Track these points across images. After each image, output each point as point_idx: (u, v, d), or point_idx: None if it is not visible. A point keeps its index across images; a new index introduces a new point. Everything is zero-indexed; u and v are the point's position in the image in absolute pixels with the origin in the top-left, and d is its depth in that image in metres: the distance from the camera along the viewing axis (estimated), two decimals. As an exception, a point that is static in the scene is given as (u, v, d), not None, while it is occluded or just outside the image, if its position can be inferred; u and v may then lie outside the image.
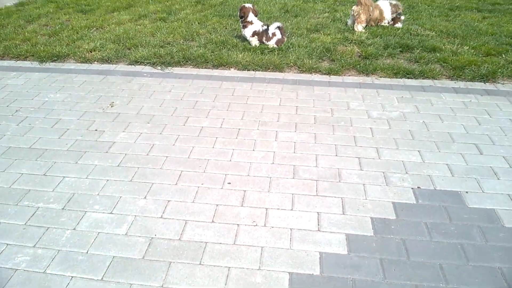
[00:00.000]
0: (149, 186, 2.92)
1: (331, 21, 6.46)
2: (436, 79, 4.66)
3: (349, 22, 6.15)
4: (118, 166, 3.15)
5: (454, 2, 7.62)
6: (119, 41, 5.63)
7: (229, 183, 2.94)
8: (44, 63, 5.07)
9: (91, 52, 5.30)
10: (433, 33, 5.95)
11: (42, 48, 5.33)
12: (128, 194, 2.85)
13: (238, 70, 4.85)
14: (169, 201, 2.78)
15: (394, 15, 6.20)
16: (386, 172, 3.05)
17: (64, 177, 3.04)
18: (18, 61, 5.15)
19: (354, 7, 5.92)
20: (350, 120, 3.77)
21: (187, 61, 5.03)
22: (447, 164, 3.15)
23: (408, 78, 4.67)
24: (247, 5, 5.42)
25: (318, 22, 6.39)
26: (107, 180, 2.99)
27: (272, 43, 5.37)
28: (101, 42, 5.55)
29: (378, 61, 5.04)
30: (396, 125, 3.70)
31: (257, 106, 4.00)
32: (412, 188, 2.88)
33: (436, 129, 3.64)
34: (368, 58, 5.12)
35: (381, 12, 6.11)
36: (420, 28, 6.16)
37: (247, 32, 5.43)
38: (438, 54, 5.19)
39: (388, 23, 6.25)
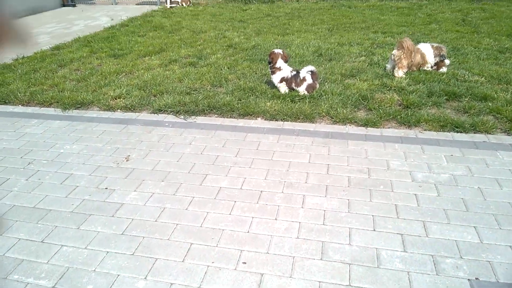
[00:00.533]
0: (152, 263, 2.52)
1: (368, 66, 6.06)
2: (489, 133, 4.08)
3: (388, 66, 5.72)
4: (122, 234, 2.79)
5: (503, 43, 7.03)
6: (145, 87, 5.48)
7: (244, 262, 2.49)
8: (67, 110, 4.96)
9: (115, 99, 5.15)
10: (483, 78, 5.39)
11: (67, 94, 5.25)
12: (127, 272, 2.46)
13: (265, 120, 4.50)
14: (172, 284, 2.36)
15: (437, 59, 5.71)
16: (436, 255, 2.50)
17: (62, 245, 2.72)
18: (42, 108, 5.07)
19: (395, 51, 5.51)
20: (391, 183, 3.26)
21: (212, 110, 4.75)
22: (511, 247, 2.56)
23: (457, 132, 4.12)
24: (276, 50, 5.17)
25: (354, 67, 6.00)
26: (107, 252, 2.63)
27: (302, 89, 5.02)
28: (127, 89, 5.42)
29: (422, 111, 4.53)
30: (446, 192, 3.15)
31: (283, 164, 3.59)
32: (468, 280, 2.32)
33: (495, 198, 3.06)
34: (410, 108, 4.63)
35: (423, 56, 5.64)
36: (467, 73, 5.62)
37: (275, 78, 5.11)
38: (490, 104, 4.62)
39: (432, 67, 5.77)
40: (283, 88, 5.11)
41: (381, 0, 11.81)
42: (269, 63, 5.17)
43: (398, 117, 4.39)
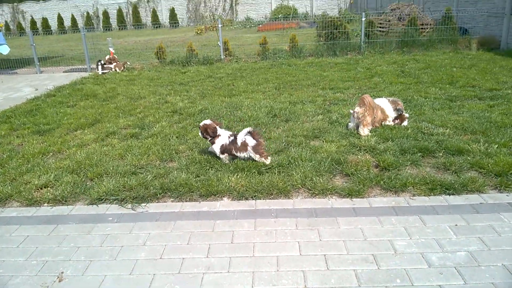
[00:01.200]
0: None
1: (328, 124, 5.67)
2: (482, 192, 3.71)
3: (351, 124, 5.36)
4: None
5: (449, 92, 7.12)
6: (79, 170, 4.55)
7: None
8: (-26, 211, 3.86)
9: (41, 189, 4.15)
10: (448, 130, 5.20)
11: (-25, 188, 4.16)
12: None
13: (232, 200, 3.78)
14: None
15: (396, 113, 5.50)
16: None
17: None
18: None
19: (357, 109, 5.17)
20: (407, 274, 2.64)
21: (166, 192, 3.94)
22: None
23: (449, 194, 3.70)
24: (207, 121, 4.55)
25: (315, 127, 5.58)
26: None
27: (251, 155, 4.35)
28: (56, 174, 4.44)
29: (401, 172, 4.10)
30: (471, 277, 2.59)
31: (270, 261, 2.84)
32: None
33: (529, 278, 2.55)
34: (388, 169, 4.19)
35: (383, 111, 5.39)
36: (430, 125, 5.42)
37: (216, 147, 4.48)
38: (468, 158, 4.33)
39: (393, 121, 5.52)
40: (226, 160, 4.50)
41: (318, 57, 12.02)
42: (205, 137, 4.57)
43: (381, 182, 3.90)
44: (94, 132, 6.00)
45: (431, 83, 7.88)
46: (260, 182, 3.95)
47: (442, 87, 7.52)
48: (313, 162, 4.37)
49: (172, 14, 31.90)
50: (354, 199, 3.67)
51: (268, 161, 4.34)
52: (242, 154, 4.39)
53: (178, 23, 32.00)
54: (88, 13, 33.64)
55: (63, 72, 12.78)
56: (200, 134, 4.61)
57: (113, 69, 11.83)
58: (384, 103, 5.41)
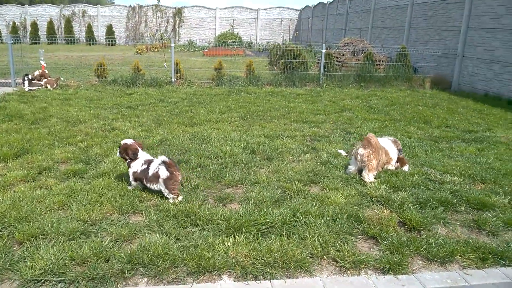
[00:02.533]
0: None
1: (321, 166, 4.83)
2: (539, 262, 3.03)
3: (352, 168, 4.56)
4: None
5: (430, 132, 6.71)
6: (1, 227, 3.15)
7: None
8: None
9: None
10: (456, 178, 4.60)
11: None
12: None
13: (237, 280, 2.69)
14: None
15: (397, 154, 4.83)
16: None
17: None
18: None
19: (361, 151, 4.39)
20: None
21: (137, 269, 2.73)
22: None
23: (505, 265, 2.97)
24: (128, 141, 4.04)
25: (307, 169, 4.70)
26: None
27: (162, 189, 3.72)
28: (-37, 234, 3.01)
29: (434, 234, 3.33)
30: None
31: None
32: None
33: None
34: (417, 229, 3.40)
35: (387, 153, 4.67)
36: (432, 171, 4.81)
37: (130, 172, 3.93)
38: (495, 213, 3.71)
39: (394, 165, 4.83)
40: (133, 185, 3.95)
41: (276, 87, 11.38)
42: (123, 157, 4.03)
43: (422, 250, 3.07)
44: (22, 166, 4.55)
45: (406, 121, 7.47)
46: (269, 251, 2.91)
47: (419, 127, 7.12)
48: (326, 219, 3.44)
49: (110, 31, 30.04)
50: (398, 276, 2.78)
51: (178, 200, 3.70)
52: (153, 186, 3.79)
53: (115, 40, 30.16)
54: (14, 23, 30.47)
55: (-21, 85, 10.72)
56: (118, 154, 4.06)
57: (43, 86, 10.10)
58: (388, 144, 4.71)
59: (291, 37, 31.78)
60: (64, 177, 4.29)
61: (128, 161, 3.97)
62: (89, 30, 29.98)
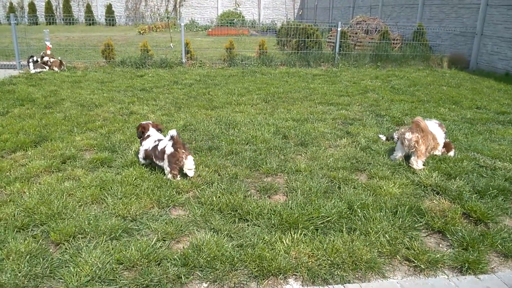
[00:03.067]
0: None
1: (362, 152, 4.52)
2: None
3: (398, 154, 4.25)
4: None
5: (463, 114, 6.38)
6: (32, 225, 2.86)
7: None
8: None
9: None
10: (507, 163, 4.31)
11: None
12: None
13: (304, 284, 2.41)
14: None
15: (444, 139, 4.52)
16: None
17: None
18: None
19: (409, 135, 4.08)
20: None
21: (194, 272, 2.44)
22: None
23: None
24: (144, 122, 4.14)
25: (348, 155, 4.40)
26: None
27: (165, 165, 3.69)
28: (-7, 234, 2.72)
29: (500, 226, 3.06)
30: None
31: None
32: None
33: None
34: (482, 221, 3.12)
35: (434, 138, 4.35)
36: (482, 156, 4.51)
37: (140, 153, 3.96)
38: None
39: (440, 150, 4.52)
40: (142, 161, 3.96)
41: (290, 67, 10.97)
42: (140, 137, 4.04)
43: (496, 245, 2.80)
44: (43, 155, 4.23)
45: (434, 103, 7.13)
46: (334, 250, 2.63)
47: (450, 108, 6.79)
48: (385, 211, 3.16)
49: (109, 11, 29.19)
50: (480, 277, 2.51)
51: (175, 179, 3.64)
52: (160, 163, 3.75)
53: (115, 20, 29.38)
54: (11, 3, 29.59)
55: (-17, 68, 10.29)
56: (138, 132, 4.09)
57: (50, 68, 9.69)
58: (434, 128, 4.39)
59: (295, 16, 30.99)
60: (91, 167, 3.98)
61: (140, 139, 3.99)
62: (88, 10, 29.11)
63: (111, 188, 3.44)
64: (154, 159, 3.77)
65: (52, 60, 9.85)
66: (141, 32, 22.15)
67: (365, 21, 14.23)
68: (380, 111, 6.40)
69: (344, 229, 2.90)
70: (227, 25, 23.60)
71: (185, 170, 3.67)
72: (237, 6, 29.36)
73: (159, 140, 3.78)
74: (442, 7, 13.49)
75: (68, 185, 3.49)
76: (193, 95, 7.36)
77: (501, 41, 10.75)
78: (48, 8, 29.05)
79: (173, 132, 3.58)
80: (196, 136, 5.00)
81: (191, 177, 3.69)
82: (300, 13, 29.66)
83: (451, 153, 4.52)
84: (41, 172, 3.81)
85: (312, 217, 3.00)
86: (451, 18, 13.00)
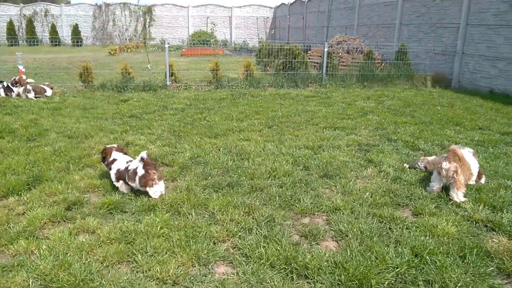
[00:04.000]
0: None
1: (393, 184, 4.24)
2: None
3: (436, 185, 3.99)
4: None
5: (471, 136, 6.27)
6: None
7: None
8: None
9: None
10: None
11: None
12: None
13: None
14: None
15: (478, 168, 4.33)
16: None
17: None
18: None
19: (446, 165, 3.84)
20: None
21: None
22: None
23: None
24: (109, 146, 4.24)
25: (382, 188, 4.09)
26: None
27: (138, 187, 3.76)
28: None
29: None
30: None
31: None
32: None
33: None
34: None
35: (468, 167, 4.14)
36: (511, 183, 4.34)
37: (112, 174, 3.96)
38: None
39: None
40: (123, 188, 3.91)
41: (278, 89, 10.73)
42: (103, 160, 4.13)
43: None
44: (41, 200, 3.65)
45: (438, 124, 7.02)
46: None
47: (455, 130, 6.70)
48: (453, 257, 2.85)
49: (75, 31, 28.25)
50: None
51: (154, 195, 3.73)
52: (132, 184, 3.83)
53: (82, 41, 28.44)
54: (-31, 24, 28.06)
55: None
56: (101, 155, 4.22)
57: (21, 94, 8.93)
58: (469, 157, 4.18)
59: (267, 36, 31.19)
60: (102, 214, 3.45)
61: (105, 162, 4.07)
62: (53, 30, 28.03)
63: (136, 241, 2.94)
64: (127, 180, 3.83)
65: (32, 86, 9.08)
66: (112, 52, 21.42)
67: (345, 41, 14.34)
68: (389, 135, 6.19)
69: (421, 283, 2.55)
70: (201, 45, 23.29)
71: (151, 193, 3.73)
72: (213, 26, 29.19)
73: (130, 162, 3.91)
74: (420, 27, 13.79)
75: (84, 240, 2.95)
76: (189, 121, 6.90)
77: (483, 60, 11.02)
78: (10, 28, 27.79)
79: (144, 153, 3.74)
80: (210, 170, 4.56)
81: (155, 198, 3.73)
82: (272, 32, 29.88)
83: (482, 180, 4.33)
84: (45, 223, 3.24)
85: (381, 270, 2.64)
86: (430, 37, 13.28)
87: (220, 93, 9.84)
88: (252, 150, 5.28)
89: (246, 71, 11.24)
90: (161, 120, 7.04)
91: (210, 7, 30.57)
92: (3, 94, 8.92)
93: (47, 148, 5.26)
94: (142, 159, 3.72)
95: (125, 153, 4.17)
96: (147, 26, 30.36)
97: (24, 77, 9.52)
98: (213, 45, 22.91)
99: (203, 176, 4.39)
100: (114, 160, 3.98)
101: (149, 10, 29.99)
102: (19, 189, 3.88)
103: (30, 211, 3.41)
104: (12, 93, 8.95)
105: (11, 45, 25.15)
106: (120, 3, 29.80)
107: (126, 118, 7.11)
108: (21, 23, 28.89)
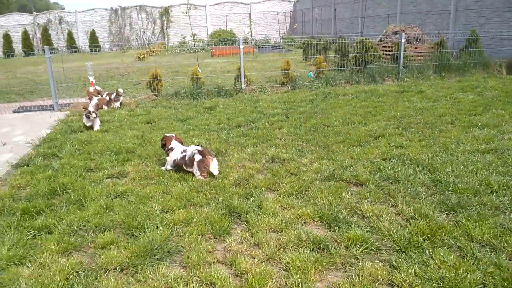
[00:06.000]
0: None
1: None
2: None
3: None
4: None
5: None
6: None
7: None
8: None
9: None
10: None
11: None
12: None
13: None
14: None
15: None
16: None
17: None
18: None
19: None
20: None
21: None
22: None
23: None
24: (168, 134, 4.94)
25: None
26: None
27: (195, 170, 4.41)
28: None
29: None
30: None
31: None
32: None
33: None
34: None
35: None
36: None
37: (169, 161, 4.65)
38: None
39: None
40: (169, 166, 4.65)
41: (356, 85, 10.11)
42: (163, 146, 4.82)
43: None
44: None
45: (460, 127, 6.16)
46: None
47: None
48: None
49: (92, 37, 27.56)
50: None
51: (202, 178, 4.38)
52: (189, 169, 4.49)
53: (100, 47, 27.77)
54: (-18, 36, 27.36)
55: (13, 111, 8.74)
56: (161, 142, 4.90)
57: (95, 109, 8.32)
58: None
59: (287, 30, 30.50)
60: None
61: (166, 150, 4.69)
62: (70, 38, 27.34)
63: None
64: (184, 167, 4.50)
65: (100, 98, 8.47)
66: (141, 57, 20.77)
67: (403, 31, 13.67)
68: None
69: None
70: (227, 44, 22.62)
71: (211, 170, 4.42)
72: (251, 22, 28.45)
73: (185, 151, 4.51)
74: (481, 12, 13.15)
75: None
76: (309, 128, 6.30)
77: None
78: (25, 38, 27.08)
79: (199, 147, 4.42)
80: (415, 188, 3.94)
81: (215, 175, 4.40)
82: (296, 26, 29.17)
83: None
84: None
85: None
86: (495, 22, 12.64)
87: (303, 94, 9.22)
88: (441, 161, 4.65)
89: (317, 68, 10.61)
90: (274, 128, 6.42)
91: (228, 5, 29.87)
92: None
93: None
94: (198, 151, 4.36)
95: (182, 142, 4.79)
96: (164, 28, 29.68)
97: (91, 89, 8.92)
98: (250, 43, 22.22)
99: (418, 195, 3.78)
100: (172, 149, 4.63)
101: (166, 11, 29.28)
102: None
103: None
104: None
105: (27, 55, 24.27)
106: (136, 6, 29.09)
107: (236, 128, 6.50)
108: (35, 32, 28.19)
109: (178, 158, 4.53)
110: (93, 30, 27.78)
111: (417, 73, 10.73)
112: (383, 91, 9.19)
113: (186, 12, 23.30)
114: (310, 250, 2.97)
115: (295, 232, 3.19)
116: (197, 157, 4.36)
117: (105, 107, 8.41)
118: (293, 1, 30.15)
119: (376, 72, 10.49)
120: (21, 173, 4.72)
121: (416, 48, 11.81)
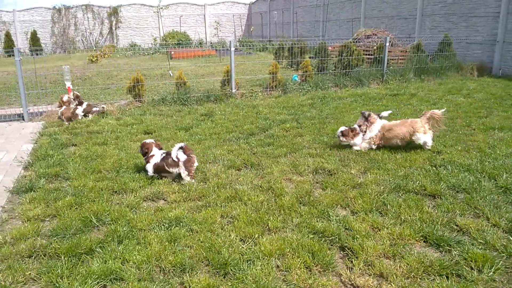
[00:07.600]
0: None
1: None
2: None
3: None
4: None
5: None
6: None
7: None
8: None
9: None
10: None
11: None
12: None
13: None
14: None
15: None
16: None
17: None
18: None
19: None
20: None
21: None
22: None
23: None
24: (147, 140, 4.61)
25: None
26: None
27: (181, 171, 4.26)
28: None
29: None
30: None
31: None
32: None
33: None
34: None
35: None
36: None
37: (149, 167, 4.41)
38: None
39: None
40: (150, 172, 4.41)
41: (345, 88, 10.00)
42: (144, 154, 4.52)
43: None
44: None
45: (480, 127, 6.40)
46: None
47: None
48: None
49: (34, 38, 25.26)
50: None
51: (192, 181, 4.29)
52: (174, 170, 4.31)
53: (42, 49, 25.54)
54: None
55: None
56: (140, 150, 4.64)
57: (80, 115, 7.38)
58: None
59: (243, 33, 30.16)
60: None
61: (147, 157, 4.44)
62: (8, 39, 24.83)
63: None
64: (167, 167, 4.28)
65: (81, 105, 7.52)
66: (93, 60, 19.31)
67: (375, 35, 13.91)
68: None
69: None
70: (187, 46, 21.81)
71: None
72: (217, 24, 27.56)
73: (166, 152, 4.39)
74: (448, 17, 13.71)
75: None
76: (331, 135, 5.95)
77: (530, 47, 11.09)
78: (-46, 39, 24.18)
79: (182, 144, 4.26)
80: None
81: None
82: (252, 29, 28.91)
83: None
84: None
85: None
86: (461, 27, 13.24)
87: (297, 98, 8.90)
88: (491, 166, 4.51)
89: (304, 72, 10.37)
90: (293, 136, 6.02)
91: (182, 6, 28.91)
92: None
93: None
94: (181, 147, 4.24)
95: (161, 148, 4.58)
96: (113, 28, 28.03)
97: (65, 98, 7.88)
98: (200, 46, 21.53)
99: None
100: (153, 155, 4.40)
101: (115, 12, 27.67)
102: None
103: None
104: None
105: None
106: (81, 5, 27.19)
107: (252, 137, 6.00)
108: (-33, 33, 25.32)
109: (159, 161, 4.36)
110: (34, 30, 25.46)
111: (399, 76, 10.87)
112: (375, 94, 9.14)
113: (157, 12, 22.43)
114: (445, 278, 2.60)
115: (413, 258, 2.80)
116: (182, 157, 4.24)
117: (89, 115, 7.47)
118: (248, 4, 29.91)
119: (362, 76, 10.46)
120: (30, 201, 3.87)
121: (401, 52, 11.99)
